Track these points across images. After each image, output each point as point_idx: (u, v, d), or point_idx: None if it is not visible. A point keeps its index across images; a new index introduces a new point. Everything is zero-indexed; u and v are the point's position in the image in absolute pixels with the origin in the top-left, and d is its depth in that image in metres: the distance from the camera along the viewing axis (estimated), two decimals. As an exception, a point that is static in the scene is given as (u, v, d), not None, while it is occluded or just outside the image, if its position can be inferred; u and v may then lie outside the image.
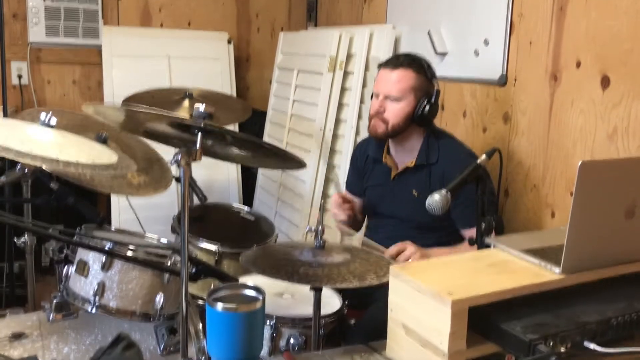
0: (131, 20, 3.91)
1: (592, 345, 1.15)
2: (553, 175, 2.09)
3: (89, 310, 1.65)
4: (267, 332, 1.65)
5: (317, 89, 2.97)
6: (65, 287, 1.73)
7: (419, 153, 2.04)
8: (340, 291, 1.88)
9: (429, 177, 2.01)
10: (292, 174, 3.18)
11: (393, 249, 1.88)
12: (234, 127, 3.71)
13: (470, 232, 1.75)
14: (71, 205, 1.85)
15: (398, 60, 2.01)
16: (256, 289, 1.34)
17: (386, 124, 2.01)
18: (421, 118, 1.99)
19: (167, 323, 1.71)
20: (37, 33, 3.63)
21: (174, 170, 1.98)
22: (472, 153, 2.04)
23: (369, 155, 2.19)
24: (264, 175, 3.57)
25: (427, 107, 1.98)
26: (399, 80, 1.98)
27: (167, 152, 2.23)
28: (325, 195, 2.94)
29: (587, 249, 1.30)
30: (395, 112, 1.99)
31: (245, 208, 2.61)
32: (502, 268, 1.34)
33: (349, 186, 2.32)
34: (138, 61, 3.63)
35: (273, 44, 3.70)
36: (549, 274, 1.29)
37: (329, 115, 2.91)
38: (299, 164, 1.77)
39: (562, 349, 1.12)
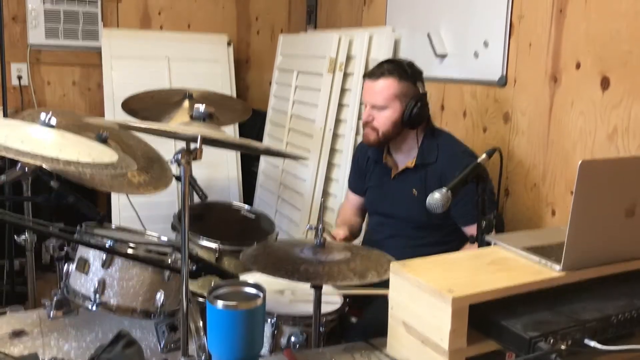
0: (131, 23, 3.92)
1: (593, 343, 1.15)
2: (553, 174, 2.09)
3: (90, 307, 1.66)
4: (268, 330, 1.65)
5: (317, 89, 2.97)
6: (66, 284, 1.73)
7: (418, 153, 2.05)
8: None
9: (428, 177, 2.02)
10: (293, 172, 3.18)
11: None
12: (234, 127, 3.72)
13: (472, 229, 1.76)
14: (71, 204, 1.86)
15: (379, 70, 2.03)
16: (257, 286, 1.34)
17: (376, 132, 2.04)
18: (410, 121, 2.01)
19: (168, 320, 1.71)
20: (36, 35, 3.64)
21: (174, 168, 1.99)
22: (470, 152, 2.04)
23: (369, 157, 2.21)
24: (264, 173, 3.57)
25: (415, 110, 1.99)
26: (382, 89, 2.00)
27: (167, 151, 2.24)
28: (325, 194, 2.95)
29: (588, 246, 1.30)
30: (383, 120, 2.02)
31: (246, 206, 2.61)
32: (503, 266, 1.34)
33: (351, 185, 2.34)
34: (137, 63, 3.63)
35: (273, 46, 3.70)
36: (549, 271, 1.29)
37: (329, 115, 2.91)
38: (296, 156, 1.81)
39: (563, 347, 1.12)
